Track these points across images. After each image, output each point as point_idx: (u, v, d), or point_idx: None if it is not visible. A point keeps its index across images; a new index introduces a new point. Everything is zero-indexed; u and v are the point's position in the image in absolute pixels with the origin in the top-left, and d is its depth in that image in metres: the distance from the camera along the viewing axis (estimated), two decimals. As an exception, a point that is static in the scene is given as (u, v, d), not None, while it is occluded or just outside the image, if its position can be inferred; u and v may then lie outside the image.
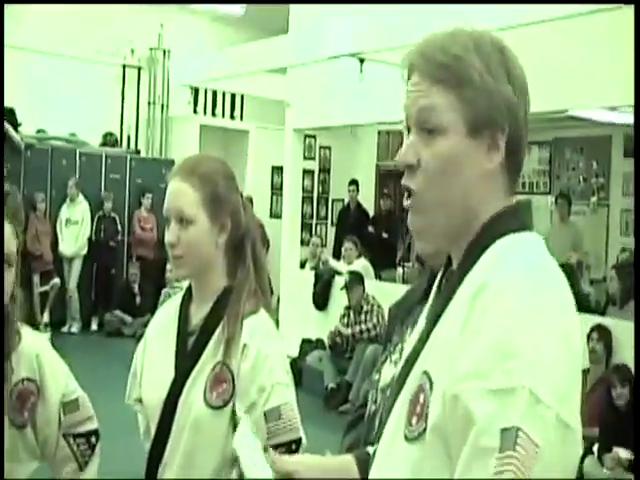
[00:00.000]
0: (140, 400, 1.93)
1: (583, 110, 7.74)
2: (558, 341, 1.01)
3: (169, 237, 1.82)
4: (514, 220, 1.13)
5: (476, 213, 1.12)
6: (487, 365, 0.99)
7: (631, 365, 5.46)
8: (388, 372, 1.71)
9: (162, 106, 12.05)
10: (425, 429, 1.04)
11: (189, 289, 1.94)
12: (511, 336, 0.99)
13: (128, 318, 10.19)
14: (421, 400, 1.07)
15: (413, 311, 1.76)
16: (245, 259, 1.87)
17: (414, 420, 1.07)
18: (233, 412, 1.76)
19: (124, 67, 11.73)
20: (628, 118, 8.37)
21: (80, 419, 1.98)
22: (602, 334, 5.90)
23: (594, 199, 10.16)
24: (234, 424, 1.75)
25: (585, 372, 5.85)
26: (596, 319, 6.18)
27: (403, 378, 1.16)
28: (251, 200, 11.03)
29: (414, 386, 1.10)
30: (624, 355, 5.79)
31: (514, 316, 1.01)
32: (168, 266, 8.91)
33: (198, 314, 1.88)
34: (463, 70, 1.11)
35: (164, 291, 8.98)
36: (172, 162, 11.29)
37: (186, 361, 1.83)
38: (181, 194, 1.82)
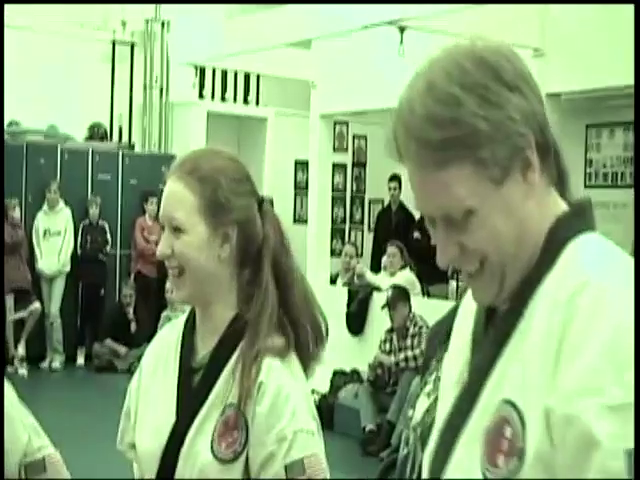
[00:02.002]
0: (134, 446, 1.93)
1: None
2: None
3: (161, 247, 1.83)
4: (579, 222, 1.23)
5: (533, 237, 1.21)
6: (602, 378, 1.04)
7: None
8: (420, 407, 1.71)
9: (161, 90, 12.14)
10: (520, 466, 1.08)
11: (192, 314, 1.94)
12: (625, 344, 1.05)
13: (121, 349, 10.25)
14: (507, 434, 1.11)
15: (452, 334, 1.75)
16: (261, 281, 1.85)
17: (500, 459, 1.11)
18: (246, 467, 1.75)
19: (114, 43, 11.84)
20: None
21: None
22: None
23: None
24: None
25: None
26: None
27: (464, 413, 1.19)
28: (271, 202, 11.07)
29: (490, 420, 1.14)
30: None
31: (626, 320, 1.07)
32: (168, 285, 8.96)
33: (204, 346, 1.87)
34: (468, 130, 1.15)
35: (164, 315, 9.04)
36: (173, 158, 11.36)
37: (190, 403, 1.82)
38: (176, 197, 1.82)
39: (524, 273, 1.20)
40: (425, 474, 1.29)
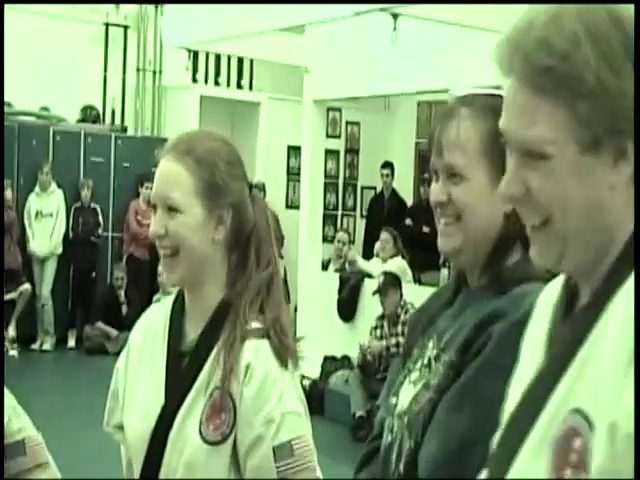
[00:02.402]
0: (122, 427, 1.93)
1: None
2: None
3: (154, 227, 1.82)
4: None
5: (612, 232, 1.13)
6: None
7: None
8: (406, 394, 1.71)
9: (154, 73, 12.11)
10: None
11: (180, 296, 1.94)
12: None
13: (113, 332, 10.26)
14: (576, 446, 1.05)
15: (436, 320, 1.75)
16: (247, 266, 1.86)
17: (568, 472, 1.05)
18: (234, 449, 1.76)
19: (107, 26, 11.80)
20: None
21: (28, 466, 1.98)
22: None
23: None
24: (235, 463, 1.75)
25: None
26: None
27: (532, 415, 1.13)
28: (263, 187, 11.06)
29: (559, 429, 1.08)
30: None
31: None
32: (160, 268, 8.95)
33: (193, 329, 1.88)
34: (574, 74, 1.07)
35: (155, 298, 9.02)
36: (166, 141, 11.31)
37: (179, 386, 1.83)
38: (172, 177, 1.82)
39: (606, 273, 1.13)
40: (486, 473, 1.26)
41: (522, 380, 1.24)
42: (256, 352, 1.78)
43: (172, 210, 1.81)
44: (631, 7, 1.11)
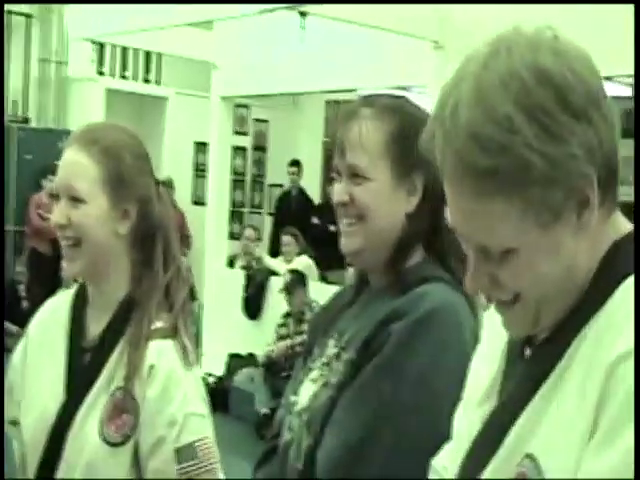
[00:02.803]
0: (16, 423, 1.89)
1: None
2: None
3: (56, 217, 1.80)
4: (630, 257, 1.06)
5: (588, 267, 1.07)
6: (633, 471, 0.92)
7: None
8: (306, 393, 1.72)
9: (58, 64, 11.88)
10: None
11: (83, 289, 1.91)
12: None
13: (12, 328, 10.03)
14: None
15: (338, 319, 1.77)
16: (153, 262, 1.85)
17: None
18: (135, 450, 1.74)
19: (9, 14, 11.52)
20: (626, 90, 8.54)
21: None
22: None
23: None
24: (137, 464, 1.74)
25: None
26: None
27: (489, 450, 1.10)
28: (170, 183, 10.95)
29: (507, 470, 1.05)
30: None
31: None
32: (63, 262, 8.80)
33: (96, 324, 1.86)
34: (519, 164, 0.98)
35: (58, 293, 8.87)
36: (70, 134, 11.13)
37: (80, 383, 1.81)
38: (77, 166, 1.80)
39: (570, 307, 1.07)
40: None
41: (470, 402, 1.22)
42: (160, 353, 1.77)
43: (76, 200, 1.79)
44: (555, 57, 1.02)
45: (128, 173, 1.82)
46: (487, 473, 1.10)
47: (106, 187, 1.80)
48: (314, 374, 1.74)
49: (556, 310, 1.08)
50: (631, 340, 0.97)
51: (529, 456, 1.03)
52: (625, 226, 1.10)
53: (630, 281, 1.03)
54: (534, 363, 1.11)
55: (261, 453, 1.88)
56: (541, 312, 1.08)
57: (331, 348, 1.72)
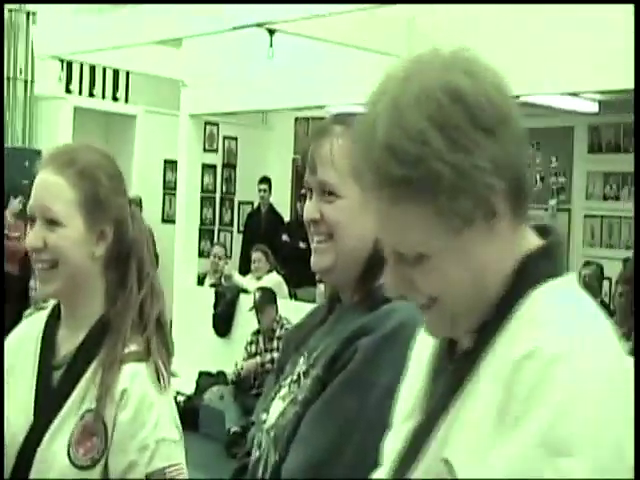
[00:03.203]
0: None
1: (540, 96, 7.95)
2: (626, 428, 1.00)
3: (32, 240, 1.79)
4: (547, 264, 1.14)
5: (500, 277, 1.13)
6: (535, 463, 0.97)
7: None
8: (275, 410, 1.72)
9: (25, 82, 11.81)
10: None
11: (57, 308, 1.90)
12: (567, 426, 0.98)
13: (-20, 348, 9.94)
14: None
15: (309, 337, 1.77)
16: (127, 281, 1.84)
17: None
18: (105, 474, 1.73)
19: (-24, 33, 11.46)
20: (592, 106, 8.64)
21: None
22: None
23: (553, 202, 10.42)
24: None
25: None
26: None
27: (408, 459, 1.14)
28: (140, 201, 10.91)
29: (428, 475, 1.09)
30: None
31: (571, 399, 0.99)
32: (32, 283, 8.73)
33: (68, 343, 1.85)
34: (430, 175, 1.05)
35: (26, 313, 8.77)
36: (38, 153, 11.06)
37: (49, 403, 1.79)
38: (53, 189, 1.79)
39: (485, 315, 1.13)
40: None
41: (401, 413, 1.26)
42: (133, 377, 1.76)
43: (52, 223, 1.78)
44: (468, 78, 1.09)
45: (104, 195, 1.82)
46: (415, 476, 1.14)
47: (82, 209, 1.79)
48: (283, 391, 1.73)
49: (472, 316, 1.14)
50: (536, 341, 1.03)
51: (444, 460, 1.08)
52: (535, 239, 1.17)
53: (537, 292, 1.10)
54: (453, 375, 1.16)
55: (233, 471, 1.87)
56: (457, 317, 1.14)
57: (300, 365, 1.72)
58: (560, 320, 1.07)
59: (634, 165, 8.35)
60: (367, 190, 1.11)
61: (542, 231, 1.20)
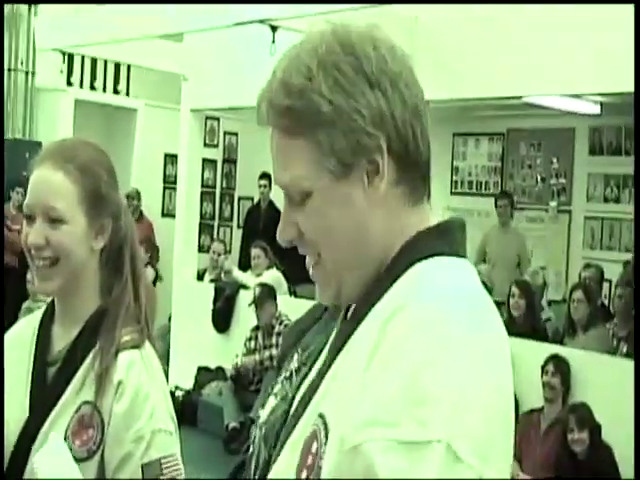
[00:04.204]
0: None
1: (542, 97, 7.95)
2: (486, 381, 1.02)
3: (34, 238, 1.78)
4: (437, 243, 1.17)
5: (377, 249, 1.17)
6: (396, 411, 0.99)
7: (592, 404, 5.61)
8: (268, 406, 1.73)
9: (26, 74, 11.81)
10: None
11: (52, 305, 1.90)
12: (428, 375, 1.00)
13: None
14: (313, 449, 1.08)
15: (306, 333, 1.78)
16: (122, 272, 1.86)
17: (304, 474, 1.08)
18: (101, 465, 1.74)
19: (-22, 24, 11.46)
20: (593, 108, 8.64)
21: None
22: (559, 367, 6.06)
23: (553, 204, 10.43)
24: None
25: (539, 411, 6.00)
26: (552, 348, 6.35)
27: (296, 419, 1.18)
28: (138, 194, 10.92)
29: (307, 431, 1.12)
30: (584, 392, 5.95)
31: (432, 349, 1.02)
32: (29, 276, 8.73)
33: (62, 339, 1.85)
34: (312, 107, 1.14)
35: (24, 306, 8.78)
36: (39, 144, 11.06)
37: (44, 398, 1.79)
38: (54, 186, 1.79)
39: (369, 283, 1.17)
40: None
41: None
42: (129, 367, 1.77)
43: (55, 221, 1.78)
44: (364, 39, 1.17)
45: (105, 190, 1.83)
46: (293, 436, 1.18)
47: (84, 205, 1.80)
48: (277, 388, 1.75)
49: (355, 282, 1.18)
50: (405, 298, 1.08)
51: (320, 415, 1.11)
52: (434, 221, 1.21)
53: (420, 265, 1.14)
54: (337, 337, 1.22)
55: (235, 465, 1.89)
56: (342, 281, 1.18)
57: (294, 362, 1.73)
58: (433, 284, 1.11)
59: (634, 167, 8.38)
60: (265, 123, 1.19)
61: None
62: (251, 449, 1.73)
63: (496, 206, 9.23)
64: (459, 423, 0.98)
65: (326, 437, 1.07)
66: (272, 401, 1.72)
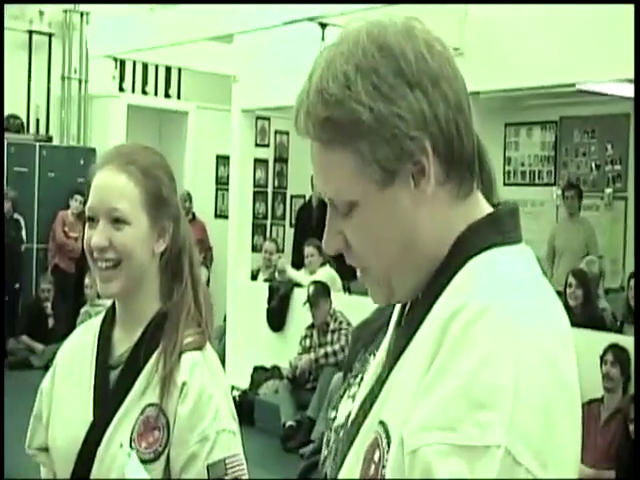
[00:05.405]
0: (46, 449, 1.90)
1: (595, 84, 7.84)
2: (548, 384, 1.00)
3: (98, 239, 1.78)
4: (491, 234, 1.13)
5: (429, 248, 1.13)
6: (455, 413, 0.97)
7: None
8: (344, 409, 1.71)
9: (80, 82, 11.96)
10: None
11: (112, 309, 1.91)
12: (487, 377, 0.98)
13: (38, 346, 10.06)
14: (376, 458, 1.07)
15: (379, 334, 1.75)
16: (182, 276, 1.87)
17: None
18: (167, 466, 1.75)
19: (30, 33, 11.61)
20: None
21: None
22: (618, 356, 5.99)
23: (609, 191, 10.29)
24: None
25: (599, 402, 5.92)
26: (611, 337, 6.27)
27: (358, 425, 1.16)
28: (190, 196, 10.99)
29: (369, 438, 1.10)
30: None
31: (492, 349, 1.00)
32: (87, 280, 8.83)
33: (123, 342, 1.86)
34: (351, 116, 1.09)
35: (83, 310, 8.89)
36: (93, 151, 11.20)
37: (107, 401, 1.80)
38: (117, 188, 1.80)
39: (425, 282, 1.14)
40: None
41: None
42: (192, 368, 1.78)
43: (118, 222, 1.79)
44: (400, 36, 1.12)
45: (166, 193, 1.85)
46: (355, 444, 1.16)
47: (147, 207, 1.81)
48: (353, 390, 1.73)
49: (409, 282, 1.15)
50: (464, 298, 1.04)
51: (381, 422, 1.09)
52: (485, 210, 1.17)
53: (476, 260, 1.11)
54: (395, 342, 1.19)
55: (300, 470, 1.88)
56: (393, 283, 1.15)
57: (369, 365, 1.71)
58: (491, 279, 1.07)
59: (634, 162, 8.25)
60: (304, 135, 1.14)
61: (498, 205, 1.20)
62: (325, 452, 1.72)
63: (564, 197, 9.12)
64: (519, 426, 0.96)
65: (388, 445, 1.05)
66: (348, 403, 1.70)
